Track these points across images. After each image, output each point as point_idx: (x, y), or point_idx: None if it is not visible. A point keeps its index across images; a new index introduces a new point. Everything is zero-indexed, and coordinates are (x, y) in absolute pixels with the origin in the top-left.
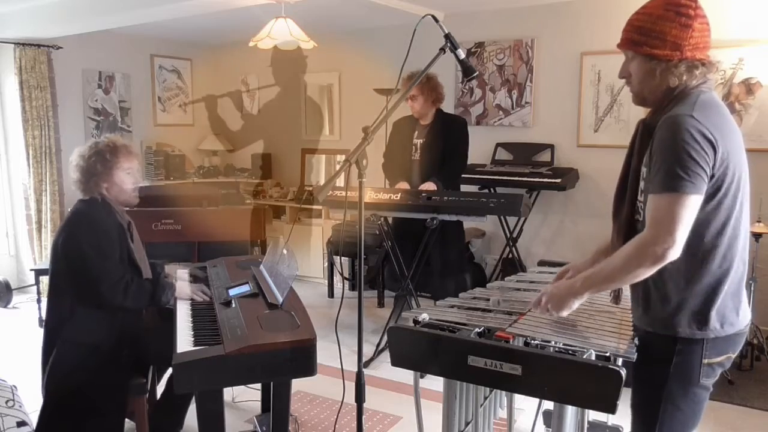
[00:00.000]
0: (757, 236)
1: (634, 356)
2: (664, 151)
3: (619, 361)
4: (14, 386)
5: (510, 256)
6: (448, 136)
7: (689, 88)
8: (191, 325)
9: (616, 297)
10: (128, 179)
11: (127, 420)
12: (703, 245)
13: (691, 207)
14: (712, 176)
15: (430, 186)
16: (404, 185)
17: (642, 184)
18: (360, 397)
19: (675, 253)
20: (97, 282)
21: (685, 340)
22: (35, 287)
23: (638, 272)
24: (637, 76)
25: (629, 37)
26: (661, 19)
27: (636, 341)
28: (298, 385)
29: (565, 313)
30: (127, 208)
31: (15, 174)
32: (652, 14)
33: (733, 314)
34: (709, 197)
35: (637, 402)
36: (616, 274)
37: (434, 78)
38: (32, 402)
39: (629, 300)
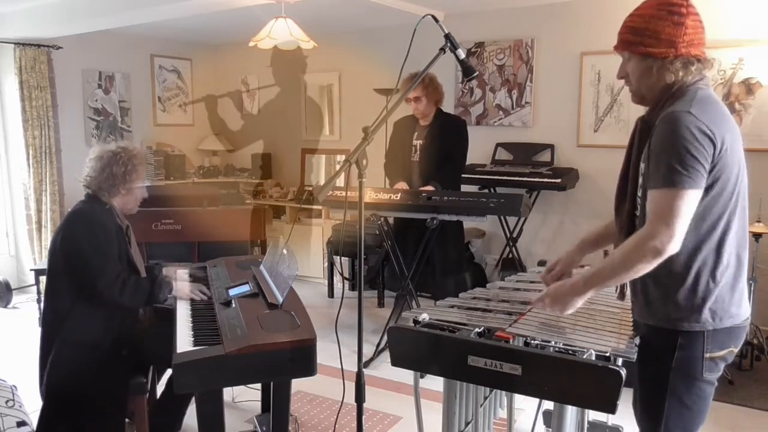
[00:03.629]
0: (757, 236)
1: (634, 356)
2: (663, 147)
3: (619, 361)
4: (14, 386)
5: (510, 256)
6: (447, 137)
7: (687, 85)
8: (191, 325)
9: (622, 293)
10: (141, 192)
11: (127, 420)
12: (699, 237)
13: (689, 201)
14: (710, 171)
15: (428, 190)
16: (403, 185)
17: (641, 180)
18: (360, 397)
19: (674, 247)
20: (95, 279)
21: (686, 333)
22: (35, 287)
23: (639, 267)
24: (634, 75)
25: (625, 38)
26: (655, 19)
27: (637, 340)
28: (298, 385)
29: (568, 312)
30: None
31: (15, 174)
32: (645, 15)
33: (732, 306)
34: (706, 190)
35: (642, 399)
36: (618, 271)
37: (435, 78)
38: (32, 402)
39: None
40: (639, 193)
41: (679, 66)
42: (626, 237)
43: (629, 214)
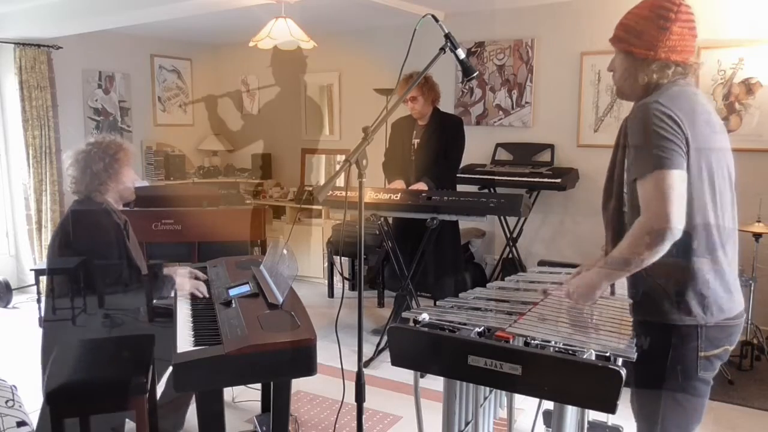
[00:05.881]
0: (757, 236)
1: (634, 356)
2: (636, 136)
3: (619, 361)
4: (14, 386)
5: (510, 256)
6: (443, 135)
7: (663, 83)
8: (191, 325)
9: (612, 290)
10: (132, 175)
11: (127, 420)
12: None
13: (676, 181)
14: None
15: (421, 186)
16: (399, 184)
17: (626, 176)
18: (360, 397)
19: (675, 226)
20: (96, 282)
21: (679, 328)
22: (35, 287)
23: (644, 256)
24: (618, 71)
25: (616, 34)
26: (644, 19)
27: (635, 340)
28: (298, 385)
29: (589, 303)
30: (125, 208)
31: (15, 174)
32: (638, 14)
33: (723, 300)
34: None
35: (638, 398)
36: (626, 262)
37: (431, 78)
38: (32, 402)
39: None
40: (625, 190)
41: (654, 69)
42: (613, 233)
43: (615, 211)
